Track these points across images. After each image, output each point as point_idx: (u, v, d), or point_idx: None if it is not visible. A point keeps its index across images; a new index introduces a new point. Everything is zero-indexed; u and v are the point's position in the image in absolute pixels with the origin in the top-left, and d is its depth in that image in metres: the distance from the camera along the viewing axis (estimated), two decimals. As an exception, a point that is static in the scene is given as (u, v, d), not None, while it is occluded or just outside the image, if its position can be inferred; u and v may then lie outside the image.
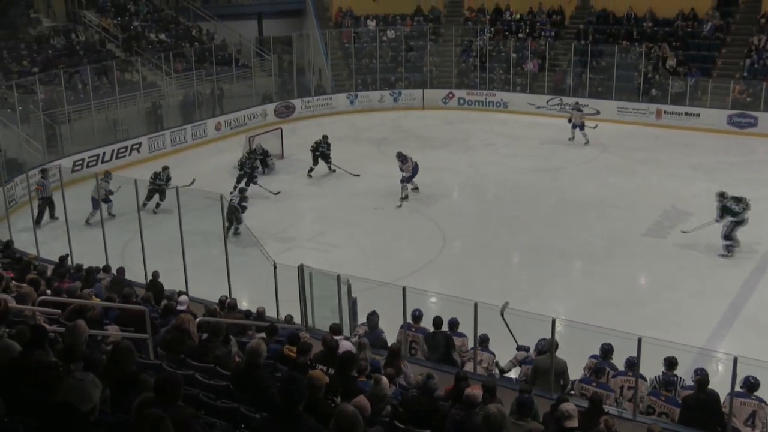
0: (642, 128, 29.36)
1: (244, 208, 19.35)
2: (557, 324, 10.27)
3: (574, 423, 7.06)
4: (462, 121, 31.67)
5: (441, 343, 11.37)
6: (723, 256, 17.76)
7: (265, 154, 24.61)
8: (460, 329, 11.56)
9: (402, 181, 21.87)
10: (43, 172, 20.79)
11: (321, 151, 24.39)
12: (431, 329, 11.57)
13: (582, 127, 27.56)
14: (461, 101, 33.70)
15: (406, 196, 21.77)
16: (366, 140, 28.77)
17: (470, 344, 11.35)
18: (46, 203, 20.29)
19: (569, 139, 27.74)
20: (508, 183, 23.50)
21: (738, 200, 17.83)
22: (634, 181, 23.21)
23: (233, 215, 18.71)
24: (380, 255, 18.19)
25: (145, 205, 19.71)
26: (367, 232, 19.82)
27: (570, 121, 27.87)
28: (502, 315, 11.30)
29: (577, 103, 29.05)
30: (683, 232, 18.92)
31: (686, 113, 29.46)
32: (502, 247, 18.75)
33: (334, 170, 24.37)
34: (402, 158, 22.11)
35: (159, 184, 21.16)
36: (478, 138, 28.86)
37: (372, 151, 27.06)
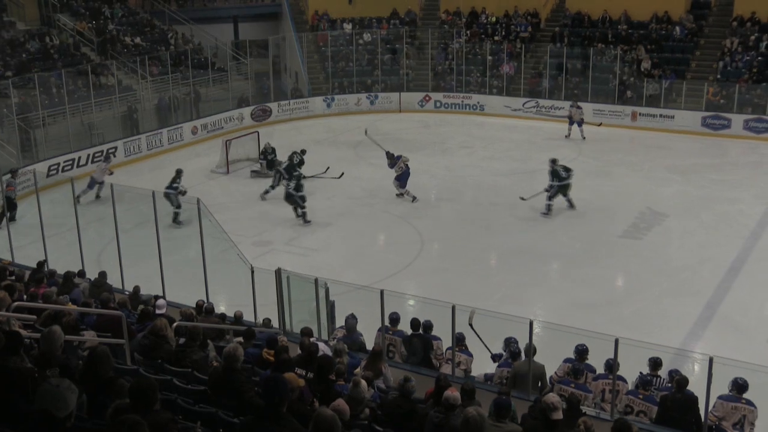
0: (617, 130, 29.55)
1: (299, 187, 20.78)
2: (535, 326, 10.30)
3: (559, 415, 7.03)
4: (439, 124, 31.75)
5: (419, 347, 11.36)
6: (544, 214, 20.77)
7: (274, 153, 24.68)
8: (438, 332, 11.55)
9: (400, 185, 22.15)
10: (13, 172, 20.93)
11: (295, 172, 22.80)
12: (409, 332, 11.56)
13: (580, 123, 28.30)
14: (438, 104, 33.79)
15: (414, 198, 22.01)
16: (343, 144, 28.76)
17: (445, 346, 11.35)
18: (9, 204, 20.08)
19: (566, 136, 28.30)
20: (485, 185, 23.57)
21: (566, 169, 21.14)
22: (611, 184, 23.36)
23: (291, 201, 20.74)
24: (358, 258, 18.18)
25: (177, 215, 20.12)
26: (344, 236, 19.81)
27: (569, 118, 28.49)
28: (471, 325, 11.30)
29: (575, 100, 29.46)
30: (521, 198, 21.10)
31: (661, 115, 29.72)
32: (480, 250, 18.80)
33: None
34: (389, 156, 22.47)
35: (175, 187, 20.60)
36: (455, 141, 28.93)
37: (349, 155, 27.04)
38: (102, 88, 28.13)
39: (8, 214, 19.92)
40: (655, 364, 10.47)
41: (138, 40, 32.54)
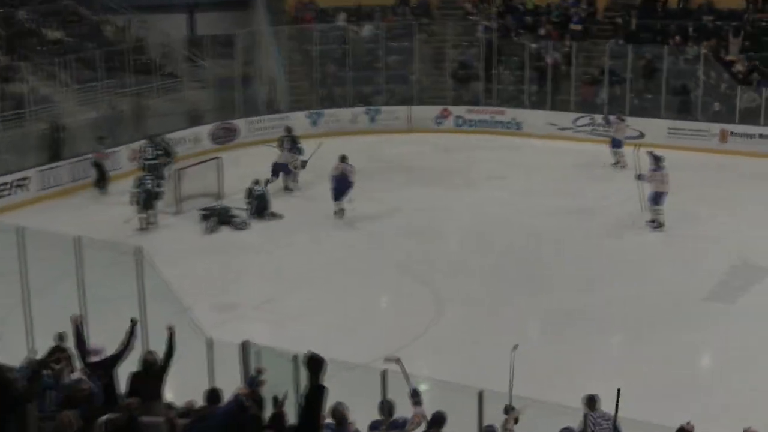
0: (701, 155, 29.52)
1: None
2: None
3: None
4: (461, 147, 31.75)
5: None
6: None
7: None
8: (462, 426, 11.38)
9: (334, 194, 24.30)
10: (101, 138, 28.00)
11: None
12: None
13: (619, 144, 28.65)
14: (459, 121, 33.86)
15: (337, 212, 24.02)
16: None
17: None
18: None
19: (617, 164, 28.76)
20: (523, 229, 23.54)
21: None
22: (692, 227, 23.35)
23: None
24: (352, 327, 18.07)
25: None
26: (334, 297, 19.69)
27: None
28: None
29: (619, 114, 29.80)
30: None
31: (761, 135, 29.62)
32: (517, 316, 18.68)
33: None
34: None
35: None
36: (483, 169, 28.93)
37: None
38: (10, 98, 28.16)
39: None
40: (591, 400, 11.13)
41: (59, 34, 32.61)
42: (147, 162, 27.04)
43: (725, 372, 16.35)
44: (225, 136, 32.14)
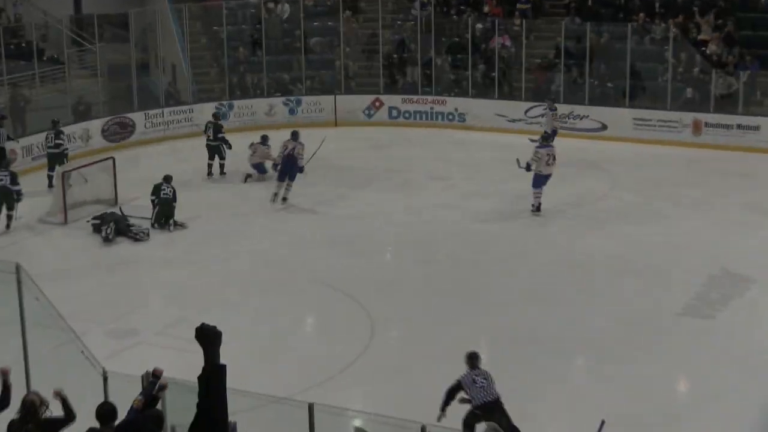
0: (672, 150, 29.81)
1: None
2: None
3: None
4: (396, 143, 31.81)
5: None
6: None
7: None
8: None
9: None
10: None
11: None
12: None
13: (553, 134, 28.50)
14: (394, 113, 33.92)
15: (276, 196, 25.32)
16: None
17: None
18: None
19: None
20: (468, 238, 23.67)
21: None
22: (663, 232, 23.58)
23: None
24: (273, 355, 18.08)
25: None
26: (251, 319, 19.61)
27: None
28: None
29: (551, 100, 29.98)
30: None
31: (739, 125, 29.95)
32: (463, 339, 18.66)
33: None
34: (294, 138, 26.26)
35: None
36: (422, 168, 28.99)
37: (260, 193, 26.94)
38: None
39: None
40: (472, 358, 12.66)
41: None
42: (49, 151, 27.88)
43: (703, 399, 16.52)
44: (119, 132, 31.91)
